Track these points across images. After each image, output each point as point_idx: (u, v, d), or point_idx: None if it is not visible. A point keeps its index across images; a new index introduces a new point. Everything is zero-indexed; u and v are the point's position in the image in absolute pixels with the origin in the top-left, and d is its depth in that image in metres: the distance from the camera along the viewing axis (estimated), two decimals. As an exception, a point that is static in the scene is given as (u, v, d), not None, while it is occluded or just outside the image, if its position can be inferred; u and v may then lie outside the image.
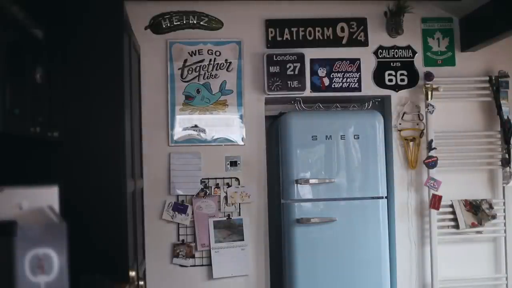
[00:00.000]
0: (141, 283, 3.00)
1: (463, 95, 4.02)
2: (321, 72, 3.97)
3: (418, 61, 4.04)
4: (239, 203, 3.87)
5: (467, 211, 3.95)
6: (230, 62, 3.91)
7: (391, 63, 4.02)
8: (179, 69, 3.87)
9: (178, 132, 3.86)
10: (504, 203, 4.01)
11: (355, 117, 3.94)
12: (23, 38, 2.10)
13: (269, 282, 3.91)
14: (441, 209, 3.89)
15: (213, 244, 3.80)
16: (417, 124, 4.00)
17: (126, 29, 2.86)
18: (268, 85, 3.87)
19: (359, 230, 3.82)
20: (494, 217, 3.96)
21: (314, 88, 3.97)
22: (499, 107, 3.94)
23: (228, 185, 3.87)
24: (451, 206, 3.96)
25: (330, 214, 3.80)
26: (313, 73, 3.96)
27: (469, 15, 3.95)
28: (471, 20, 3.96)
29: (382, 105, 4.14)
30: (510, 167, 3.91)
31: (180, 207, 3.81)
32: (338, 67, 3.98)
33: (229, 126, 3.90)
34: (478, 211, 3.95)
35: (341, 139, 3.84)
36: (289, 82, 3.88)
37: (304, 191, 3.80)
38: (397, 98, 4.03)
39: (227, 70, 3.90)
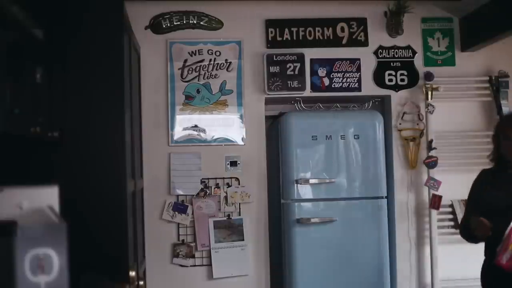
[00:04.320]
0: (141, 283, 3.00)
1: (463, 95, 4.02)
2: (321, 72, 3.97)
3: (418, 61, 4.04)
4: (239, 203, 3.87)
5: (467, 211, 3.95)
6: (230, 62, 3.90)
7: (391, 63, 4.02)
8: (179, 69, 3.87)
9: (178, 132, 3.86)
10: (504, 203, 4.01)
11: (355, 117, 3.94)
12: (23, 38, 2.10)
13: (269, 282, 3.91)
14: (441, 209, 3.89)
15: (213, 244, 3.80)
16: (417, 124, 4.00)
17: (126, 29, 2.86)
18: (268, 85, 3.87)
19: (359, 230, 3.82)
20: (494, 217, 3.95)
21: (314, 88, 3.97)
22: (499, 107, 3.94)
23: (228, 185, 3.87)
24: (451, 206, 3.96)
25: (330, 214, 3.80)
26: (313, 73, 3.96)
27: (469, 15, 3.95)
28: (471, 20, 3.96)
29: (382, 105, 4.14)
30: (510, 167, 3.91)
31: (180, 207, 3.81)
32: (338, 67, 3.98)
33: (229, 126, 3.90)
34: (478, 211, 3.94)
35: (341, 139, 3.84)
36: (289, 82, 3.88)
37: (304, 191, 3.80)
38: (397, 98, 4.03)
39: (227, 70, 3.90)
